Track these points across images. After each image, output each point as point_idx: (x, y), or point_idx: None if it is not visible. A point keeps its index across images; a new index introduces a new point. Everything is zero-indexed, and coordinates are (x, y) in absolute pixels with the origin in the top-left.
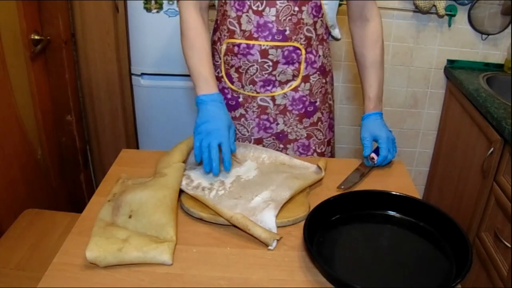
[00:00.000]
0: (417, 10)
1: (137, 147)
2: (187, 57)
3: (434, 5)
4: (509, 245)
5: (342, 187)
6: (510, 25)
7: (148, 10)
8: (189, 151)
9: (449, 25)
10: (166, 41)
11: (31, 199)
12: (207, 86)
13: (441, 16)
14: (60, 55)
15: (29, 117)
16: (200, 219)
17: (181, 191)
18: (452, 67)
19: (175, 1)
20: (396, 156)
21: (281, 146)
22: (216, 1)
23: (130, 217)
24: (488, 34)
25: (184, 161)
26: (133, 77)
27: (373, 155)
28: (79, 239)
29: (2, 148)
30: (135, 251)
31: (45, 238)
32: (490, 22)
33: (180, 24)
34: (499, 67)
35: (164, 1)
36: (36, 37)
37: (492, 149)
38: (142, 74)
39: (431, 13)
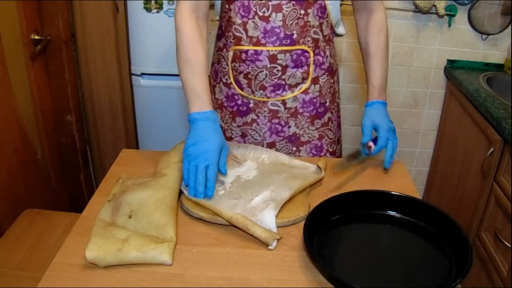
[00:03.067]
0: (417, 10)
1: (137, 147)
2: (180, 70)
3: (434, 5)
4: (509, 245)
5: (336, 170)
6: (510, 25)
7: (148, 10)
8: None
9: (449, 25)
10: (166, 41)
11: (31, 199)
12: (199, 103)
13: (441, 16)
14: (60, 55)
15: (29, 117)
16: (200, 219)
17: (181, 191)
18: (452, 67)
19: (175, 1)
20: (396, 156)
21: (294, 148)
22: (219, 4)
23: (130, 217)
24: (488, 34)
25: None
26: (133, 77)
27: (370, 143)
28: (79, 239)
29: (2, 148)
30: (135, 251)
31: (45, 238)
32: (490, 22)
33: (176, 35)
34: (499, 67)
35: (164, 1)
36: (36, 37)
37: (492, 149)
38: (142, 74)
39: (431, 13)
